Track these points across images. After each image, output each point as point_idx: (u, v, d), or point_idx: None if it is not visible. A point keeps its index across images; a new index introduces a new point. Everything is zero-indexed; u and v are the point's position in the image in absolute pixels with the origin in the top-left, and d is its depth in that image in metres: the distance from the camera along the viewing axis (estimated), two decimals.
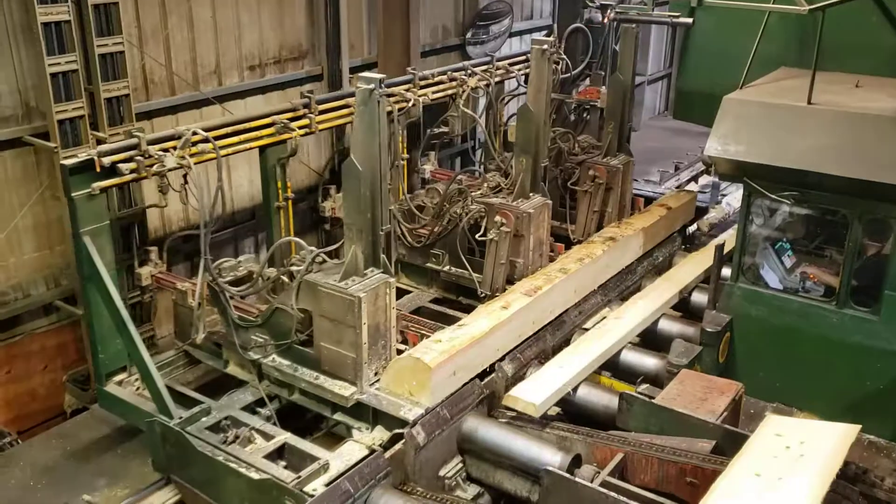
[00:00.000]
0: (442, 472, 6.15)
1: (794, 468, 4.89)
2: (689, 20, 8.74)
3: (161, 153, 7.06)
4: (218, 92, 10.20)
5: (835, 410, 7.00)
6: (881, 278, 6.85)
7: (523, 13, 15.31)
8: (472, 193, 8.34)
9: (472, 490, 6.23)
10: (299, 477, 5.77)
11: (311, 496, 5.55)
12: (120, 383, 7.41)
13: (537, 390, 6.68)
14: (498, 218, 7.82)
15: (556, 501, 5.56)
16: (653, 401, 6.30)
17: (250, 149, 8.30)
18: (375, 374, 6.52)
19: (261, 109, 10.68)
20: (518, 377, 7.01)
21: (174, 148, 7.10)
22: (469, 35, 13.69)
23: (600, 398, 6.80)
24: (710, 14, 8.63)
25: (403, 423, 6.13)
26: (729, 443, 5.64)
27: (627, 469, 5.74)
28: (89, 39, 8.16)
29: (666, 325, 8.22)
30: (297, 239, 7.11)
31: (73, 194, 6.69)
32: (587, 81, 11.08)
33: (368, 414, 6.45)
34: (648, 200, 10.19)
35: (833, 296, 7.22)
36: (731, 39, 8.66)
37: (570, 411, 7.03)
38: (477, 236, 8.06)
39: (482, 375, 6.83)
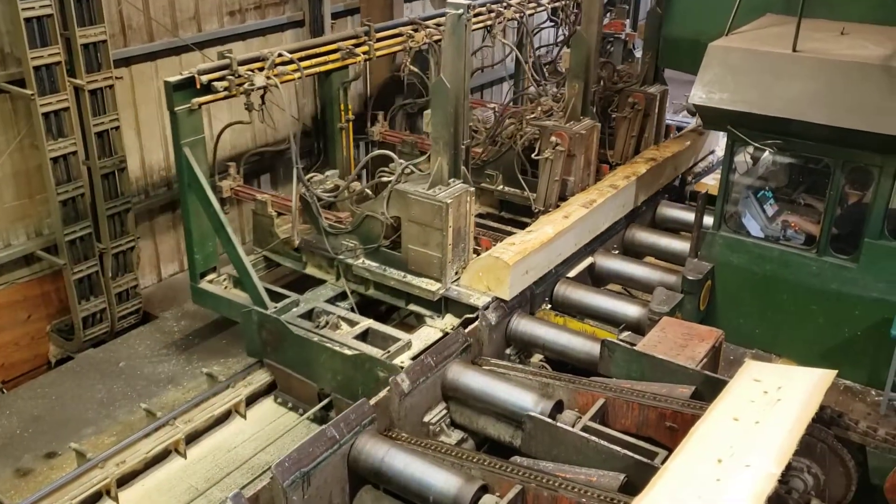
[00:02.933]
0: (427, 419, 6.23)
1: (771, 412, 4.98)
2: None
3: (250, 73, 7.56)
4: (197, 38, 10.05)
5: (812, 356, 7.13)
6: (861, 226, 6.90)
7: None
8: (528, 117, 9.07)
9: (457, 435, 6.32)
10: (388, 352, 6.84)
11: (401, 367, 6.48)
12: (210, 282, 8.26)
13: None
14: (553, 138, 8.43)
15: (538, 446, 5.66)
16: (634, 348, 6.37)
17: (322, 71, 8.80)
18: (456, 272, 7.45)
19: (241, 56, 10.56)
20: (501, 325, 7.07)
21: (259, 69, 7.66)
22: None
23: (583, 345, 6.87)
24: None
25: (474, 309, 7.12)
26: (708, 388, 5.73)
27: (608, 414, 5.83)
28: None
29: (647, 273, 8.29)
30: (389, 152, 7.92)
31: (175, 108, 7.39)
32: (610, 14, 11.24)
33: (441, 305, 7.39)
34: (678, 129, 11.13)
35: (813, 244, 7.26)
36: None
37: (553, 359, 7.11)
38: (532, 156, 8.69)
39: (465, 324, 7.10)
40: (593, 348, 6.69)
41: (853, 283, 6.99)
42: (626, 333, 7.13)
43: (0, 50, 8.20)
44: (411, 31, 9.47)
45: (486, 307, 7.10)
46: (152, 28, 9.58)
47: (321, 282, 8.16)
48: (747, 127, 7.05)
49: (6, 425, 7.76)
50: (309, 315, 7.60)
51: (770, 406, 5.03)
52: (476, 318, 7.06)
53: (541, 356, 7.31)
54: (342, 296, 7.94)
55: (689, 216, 9.27)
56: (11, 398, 8.19)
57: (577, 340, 6.97)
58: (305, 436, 5.77)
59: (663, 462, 5.00)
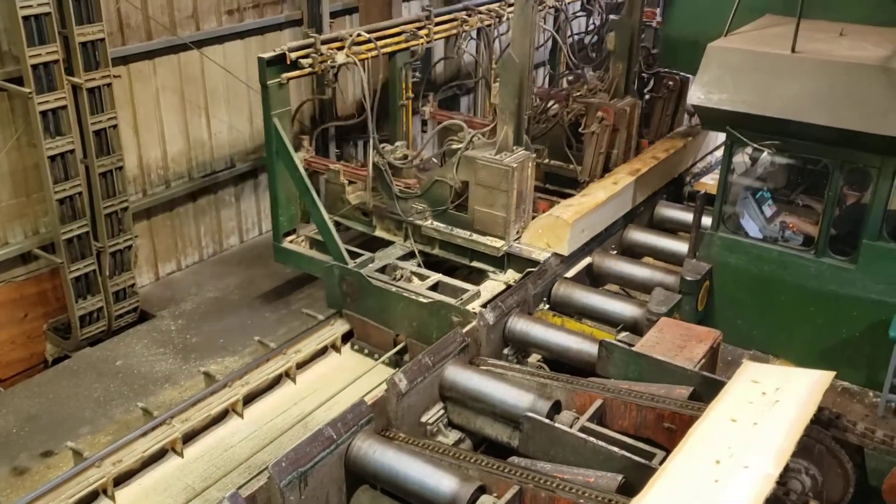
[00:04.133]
0: (424, 419, 6.21)
1: (769, 414, 4.98)
2: None
3: (332, 51, 8.26)
4: (196, 37, 10.04)
5: (810, 357, 7.12)
6: (860, 227, 6.89)
7: None
8: (574, 94, 9.85)
9: (454, 436, 6.30)
10: (461, 299, 7.73)
11: (473, 312, 7.33)
12: (291, 242, 9.05)
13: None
14: (600, 113, 9.24)
15: (535, 446, 5.65)
16: (632, 348, 6.36)
17: (390, 52, 9.32)
18: (517, 232, 8.25)
19: (240, 55, 10.59)
20: (499, 325, 7.07)
21: (339, 49, 8.38)
22: None
23: (581, 345, 6.84)
24: None
25: (535, 263, 7.94)
26: (706, 389, 5.72)
27: (606, 415, 5.81)
28: None
29: (645, 273, 8.28)
30: (460, 122, 8.81)
31: (267, 83, 8.12)
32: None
33: (503, 261, 8.23)
34: None
35: (812, 245, 7.26)
36: None
37: (551, 359, 7.10)
38: (580, 130, 9.50)
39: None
40: (591, 349, 6.68)
41: (851, 285, 6.98)
42: (624, 334, 7.12)
43: None
44: (465, 17, 10.17)
45: (546, 260, 7.96)
46: (150, 27, 9.56)
47: (388, 243, 8.96)
48: (746, 128, 7.04)
49: (2, 424, 7.76)
50: (383, 270, 8.42)
51: (768, 407, 5.02)
52: (537, 270, 7.88)
53: (538, 356, 7.29)
54: (409, 255, 8.76)
55: (688, 216, 9.28)
56: (8, 397, 8.19)
57: (575, 341, 6.95)
58: (303, 438, 5.75)
59: (661, 463, 4.99)
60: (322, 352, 8.33)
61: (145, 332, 9.34)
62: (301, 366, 8.08)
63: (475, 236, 8.30)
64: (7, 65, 8.23)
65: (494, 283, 8.13)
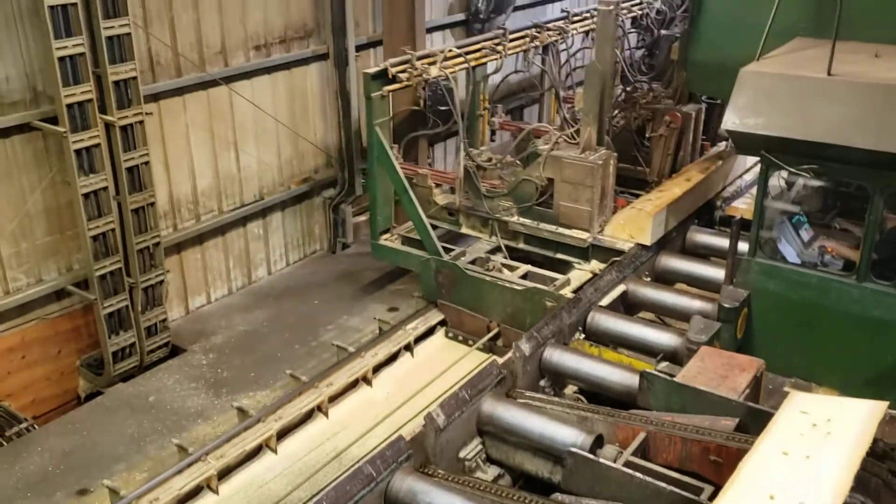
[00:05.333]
0: (462, 454, 6.12)
1: (822, 446, 4.83)
2: None
3: (425, 66, 9.14)
4: (224, 73, 10.14)
5: (855, 385, 6.93)
6: None
7: None
8: (641, 101, 10.52)
9: (493, 471, 6.19)
10: (554, 285, 8.43)
11: (566, 297, 7.98)
12: (386, 240, 9.90)
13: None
14: (667, 118, 10.00)
15: (579, 482, 5.53)
16: (674, 379, 6.23)
17: (474, 66, 10.08)
18: (600, 224, 8.96)
19: (267, 90, 10.69)
20: (535, 356, 6.97)
21: (430, 64, 9.25)
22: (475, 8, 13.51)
23: (620, 376, 6.72)
24: None
25: (619, 253, 8.66)
26: (752, 420, 5.58)
27: (650, 448, 5.69)
28: (95, 22, 8.12)
29: (680, 301, 8.16)
30: (546, 125, 10.16)
31: (371, 95, 9.02)
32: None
33: (587, 252, 8.95)
34: None
35: (853, 270, 7.11)
36: (744, 9, 8.51)
37: (589, 391, 6.98)
38: (647, 134, 10.30)
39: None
40: (630, 379, 6.56)
41: None
42: (664, 364, 6.97)
43: (33, 89, 8.29)
44: (535, 33, 10.88)
45: (629, 251, 8.65)
46: (180, 64, 9.66)
47: (473, 240, 9.72)
48: (783, 152, 6.94)
49: (38, 462, 7.75)
50: (473, 262, 9.09)
51: (821, 439, 4.88)
52: (620, 258, 8.57)
53: (574, 388, 7.18)
54: (495, 250, 9.46)
55: (720, 242, 9.18)
56: (42, 434, 8.19)
57: (613, 371, 6.83)
58: (341, 471, 5.66)
59: (710, 498, 4.86)
60: (354, 384, 8.26)
61: (177, 366, 9.34)
62: (333, 399, 8.02)
63: (561, 230, 9.04)
64: (42, 105, 8.33)
65: (580, 273, 8.83)
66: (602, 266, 8.75)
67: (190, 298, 10.53)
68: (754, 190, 8.46)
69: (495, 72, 10.56)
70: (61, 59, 7.84)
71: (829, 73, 6.73)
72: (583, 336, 7.70)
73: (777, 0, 7.32)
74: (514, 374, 6.79)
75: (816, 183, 7.58)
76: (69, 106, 8.01)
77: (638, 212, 8.93)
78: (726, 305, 7.39)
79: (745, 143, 7.23)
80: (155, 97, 9.40)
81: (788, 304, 7.42)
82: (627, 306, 8.34)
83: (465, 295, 8.90)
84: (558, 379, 7.13)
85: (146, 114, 8.75)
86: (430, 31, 12.59)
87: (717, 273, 8.40)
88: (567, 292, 8.24)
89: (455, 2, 13.52)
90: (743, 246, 7.67)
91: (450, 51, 9.47)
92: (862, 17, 7.51)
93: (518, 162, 9.52)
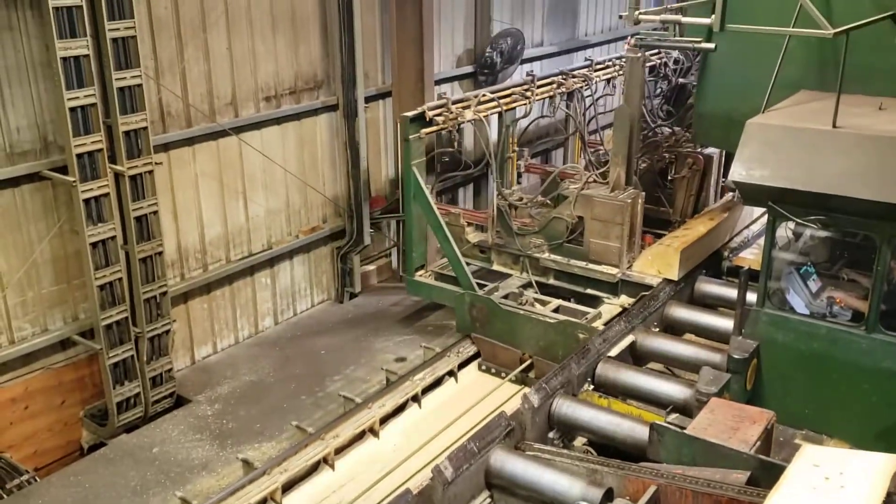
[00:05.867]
0: None
1: (835, 500, 4.75)
2: (712, 45, 8.68)
3: (460, 110, 9.64)
4: (234, 123, 10.23)
5: (867, 438, 6.86)
6: None
7: (533, 41, 15.35)
8: (664, 145, 11.10)
9: None
10: (586, 318, 8.85)
11: (598, 329, 8.27)
12: (420, 276, 10.37)
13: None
14: (689, 160, 10.67)
15: None
16: (684, 431, 6.17)
17: (503, 110, 10.41)
18: (629, 260, 9.42)
19: (277, 140, 10.79)
20: (544, 408, 6.90)
21: (465, 108, 9.78)
22: (483, 60, 13.69)
23: (630, 428, 6.66)
24: (727, 37, 8.58)
25: (648, 288, 9.06)
26: (764, 473, 5.49)
27: (661, 502, 5.60)
28: (108, 73, 8.23)
29: (689, 351, 8.11)
30: (575, 166, 10.73)
31: (408, 137, 9.51)
32: None
33: (616, 287, 9.41)
34: None
35: (861, 320, 7.08)
36: (749, 63, 8.61)
37: (599, 443, 6.90)
38: (670, 175, 10.93)
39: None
40: (640, 432, 6.49)
41: None
42: (674, 416, 6.92)
43: (43, 138, 8.37)
44: (561, 80, 11.32)
45: (658, 285, 9.06)
46: (191, 114, 9.77)
47: (503, 276, 10.13)
48: (789, 203, 6.97)
49: None
50: (506, 297, 9.50)
51: (835, 493, 4.79)
52: (650, 293, 8.95)
53: (584, 440, 7.10)
54: (526, 286, 9.87)
55: (729, 292, 9.17)
56: (44, 486, 8.08)
57: (622, 423, 6.77)
58: None
59: None
60: (360, 436, 8.19)
61: (182, 417, 9.25)
62: (339, 451, 7.93)
63: (591, 265, 9.52)
64: (52, 154, 8.40)
65: (610, 307, 9.22)
66: (631, 301, 9.16)
67: (196, 348, 10.48)
68: (761, 240, 8.49)
69: (524, 116, 11.06)
70: (72, 109, 7.93)
71: (834, 126, 6.78)
72: (592, 387, 7.64)
73: (781, 54, 7.43)
74: (523, 426, 6.73)
75: (824, 234, 7.59)
76: (79, 156, 8.07)
77: (666, 248, 9.39)
78: (736, 356, 7.35)
79: (752, 194, 7.26)
80: (165, 147, 9.48)
81: (798, 355, 7.38)
82: (636, 357, 8.29)
83: (498, 328, 9.33)
84: (567, 431, 7.06)
85: (156, 163, 8.81)
86: (438, 83, 12.75)
87: (725, 323, 8.37)
88: (599, 325, 8.60)
89: (463, 54, 13.71)
90: (751, 296, 7.66)
91: (483, 95, 10.03)
92: (865, 71, 7.61)
93: (548, 202, 10.11)
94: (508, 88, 10.66)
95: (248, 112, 10.44)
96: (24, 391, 8.65)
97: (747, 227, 11.02)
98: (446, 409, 8.58)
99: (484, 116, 9.91)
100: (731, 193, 11.06)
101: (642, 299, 8.88)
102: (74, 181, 8.13)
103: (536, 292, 9.72)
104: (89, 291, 8.57)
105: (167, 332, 9.25)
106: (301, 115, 11.11)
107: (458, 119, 9.58)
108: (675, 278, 9.14)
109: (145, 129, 8.60)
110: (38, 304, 8.66)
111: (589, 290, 9.57)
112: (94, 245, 8.37)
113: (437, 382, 9.12)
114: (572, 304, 9.40)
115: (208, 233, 10.29)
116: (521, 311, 9.11)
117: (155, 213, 8.86)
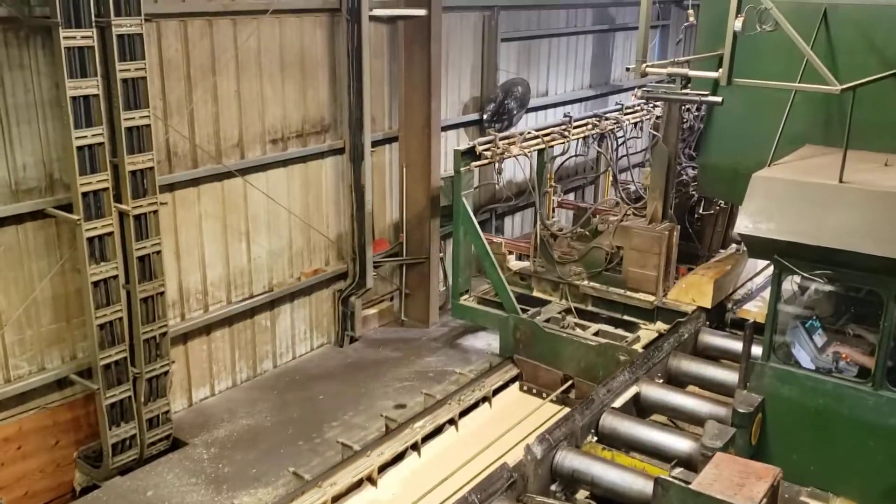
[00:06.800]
0: None
1: None
2: (719, 99, 8.73)
3: (506, 145, 10.45)
4: (240, 165, 10.28)
5: (873, 496, 6.75)
6: None
7: (538, 90, 15.49)
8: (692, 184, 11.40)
9: None
10: (626, 341, 9.45)
11: (638, 351, 8.86)
12: (464, 300, 11.06)
13: None
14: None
15: None
16: (689, 486, 6.04)
17: (546, 147, 11.12)
18: (664, 289, 10.05)
19: (282, 182, 10.82)
20: (547, 459, 6.79)
21: (511, 144, 10.58)
22: (490, 109, 13.81)
23: (633, 482, 6.54)
24: (733, 91, 8.63)
25: (683, 315, 9.55)
26: None
27: None
28: (116, 113, 8.27)
29: (694, 404, 8.01)
30: (613, 198, 11.54)
31: (459, 169, 10.24)
32: None
33: (652, 314, 10.04)
34: None
35: (868, 377, 7.00)
36: (755, 116, 8.65)
37: (602, 496, 6.77)
38: (698, 213, 11.38)
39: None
40: (644, 486, 6.37)
41: None
42: (678, 470, 6.77)
43: (49, 176, 8.38)
44: (595, 122, 12.01)
45: (692, 312, 9.58)
46: (197, 155, 9.80)
47: (543, 302, 10.75)
48: (795, 257, 6.93)
49: None
50: (548, 321, 10.05)
51: None
52: (684, 320, 9.33)
53: (587, 493, 6.97)
54: (565, 311, 10.46)
55: (732, 344, 9.09)
56: None
57: (626, 477, 6.65)
58: None
59: None
60: (358, 484, 8.04)
61: (177, 460, 9.13)
62: (336, 499, 7.79)
63: (628, 293, 10.15)
64: (57, 192, 8.41)
65: (647, 332, 9.75)
66: (666, 327, 9.64)
67: (194, 390, 10.38)
68: (765, 293, 8.45)
69: (562, 154, 11.85)
70: (80, 148, 7.96)
71: (840, 181, 6.78)
72: (595, 439, 7.53)
73: (787, 109, 7.47)
74: (525, 478, 6.61)
75: (830, 288, 7.54)
76: (85, 194, 8.08)
77: (700, 277, 9.99)
78: (741, 411, 7.24)
79: (757, 247, 7.23)
80: (170, 187, 9.50)
81: (803, 411, 7.27)
82: (640, 409, 8.18)
83: (541, 350, 9.86)
84: (570, 483, 6.93)
85: (161, 203, 8.82)
86: (444, 129, 12.85)
87: (729, 376, 8.28)
88: (638, 348, 9.19)
89: (469, 102, 13.83)
90: (756, 349, 7.59)
91: (528, 133, 10.89)
92: (871, 127, 7.64)
93: (587, 233, 10.84)
94: (549, 128, 11.43)
95: (255, 154, 10.48)
96: (17, 431, 8.53)
97: (751, 279, 10.98)
98: (447, 457, 8.44)
99: (527, 153, 10.72)
100: (735, 245, 11.06)
101: (677, 325, 9.29)
102: (79, 220, 8.12)
103: (576, 317, 10.35)
104: (89, 330, 8.51)
105: (166, 373, 9.17)
106: (307, 158, 11.16)
107: (505, 154, 10.36)
108: (709, 306, 9.68)
109: (151, 169, 8.63)
110: (37, 342, 8.59)
111: (626, 316, 10.22)
112: (95, 284, 8.33)
113: (438, 430, 8.98)
114: (612, 329, 9.97)
115: (210, 273, 10.26)
116: (564, 334, 9.71)
117: (158, 252, 8.84)
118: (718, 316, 10.16)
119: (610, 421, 7.54)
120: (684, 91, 9.00)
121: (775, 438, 7.49)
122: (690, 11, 9.33)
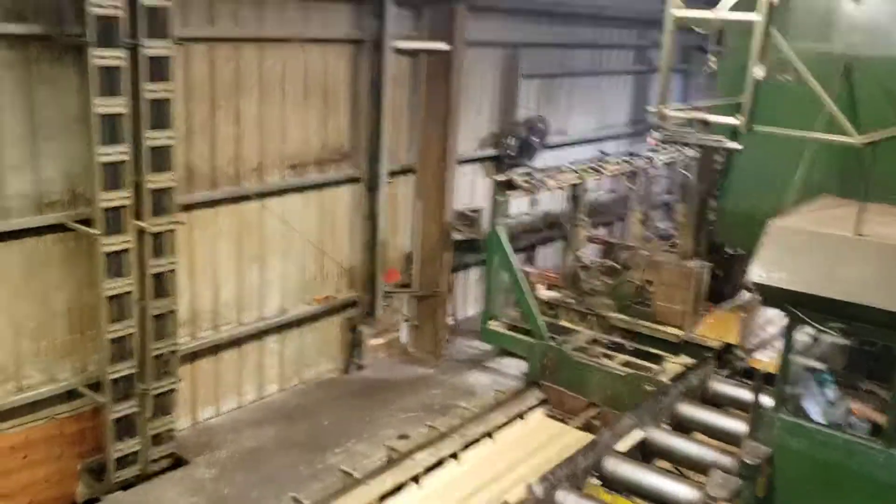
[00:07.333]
0: None
1: None
2: (739, 146, 8.75)
3: (542, 178, 11.14)
4: (258, 189, 10.36)
5: None
6: None
7: (557, 128, 15.56)
8: None
9: None
10: (652, 372, 9.68)
11: (663, 382, 8.97)
12: (494, 325, 11.59)
13: None
14: None
15: None
16: None
17: (580, 182, 11.81)
18: (692, 324, 10.29)
19: (298, 208, 10.90)
20: (547, 500, 6.72)
21: (547, 176, 11.27)
22: (512, 145, 13.88)
23: None
24: (752, 137, 8.66)
25: (710, 350, 9.75)
26: None
27: None
28: (141, 132, 8.34)
29: (700, 452, 7.93)
30: (645, 233, 12.45)
31: (497, 198, 11.02)
32: None
33: (678, 347, 10.23)
34: None
35: (880, 434, 6.91)
36: (772, 164, 8.67)
37: None
38: (726, 253, 11.05)
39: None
40: None
41: None
42: None
43: (72, 190, 8.48)
44: (628, 160, 12.65)
45: (718, 348, 9.77)
46: (216, 177, 9.90)
47: (570, 331, 11.04)
48: (808, 308, 6.88)
49: None
50: (576, 350, 10.31)
51: None
52: (710, 357, 9.40)
53: None
54: (592, 340, 10.72)
55: (741, 393, 8.99)
56: None
57: None
58: None
59: None
60: None
61: (178, 479, 9.12)
62: None
63: (656, 326, 10.45)
64: (79, 207, 8.51)
65: (673, 365, 9.91)
66: (692, 361, 9.65)
67: (199, 409, 10.39)
68: (777, 343, 8.36)
69: (595, 190, 12.20)
70: (104, 164, 8.06)
71: (856, 233, 6.76)
72: (599, 482, 7.45)
73: (808, 160, 7.47)
74: None
75: (843, 341, 7.48)
76: (105, 210, 8.17)
77: (727, 314, 10.35)
78: (748, 461, 7.14)
79: (770, 296, 7.19)
80: (188, 207, 9.58)
81: (813, 465, 7.17)
82: (645, 453, 8.10)
83: (568, 377, 10.09)
84: None
85: (179, 223, 8.89)
86: (461, 163, 12.92)
87: (736, 425, 8.19)
88: (664, 378, 9.34)
89: (487, 137, 13.91)
90: (765, 400, 7.51)
91: (565, 167, 11.48)
92: (890, 180, 7.62)
93: (617, 266, 11.19)
94: (584, 163, 12.07)
95: (273, 179, 10.58)
96: (24, 440, 8.57)
97: (762, 328, 10.90)
98: (447, 491, 8.38)
99: (561, 187, 11.40)
100: (748, 293, 10.99)
101: (686, 372, 9.18)
102: (98, 234, 8.20)
103: (602, 347, 10.61)
104: (101, 344, 8.56)
105: (173, 390, 9.19)
106: (324, 186, 11.25)
107: (540, 186, 10.93)
108: (735, 342, 9.87)
109: (172, 188, 8.71)
110: (50, 353, 8.65)
111: (652, 349, 10.41)
112: (110, 298, 8.39)
113: (439, 463, 8.92)
114: (638, 360, 10.22)
115: (222, 294, 10.31)
116: (592, 363, 10.00)
117: (173, 270, 8.90)
118: (729, 364, 10.08)
119: (613, 464, 7.47)
120: (703, 136, 9.03)
121: (783, 491, 7.37)
122: (711, 58, 9.41)
